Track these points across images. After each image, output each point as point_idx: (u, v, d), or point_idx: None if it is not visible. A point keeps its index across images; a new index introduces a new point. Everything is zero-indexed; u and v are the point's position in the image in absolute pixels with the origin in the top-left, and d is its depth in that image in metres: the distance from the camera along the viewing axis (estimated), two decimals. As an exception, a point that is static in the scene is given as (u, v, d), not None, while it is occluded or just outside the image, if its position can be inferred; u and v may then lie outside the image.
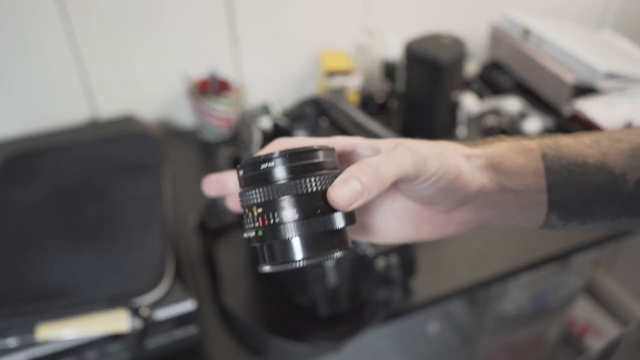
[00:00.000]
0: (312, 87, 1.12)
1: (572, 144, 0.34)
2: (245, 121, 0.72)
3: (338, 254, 0.29)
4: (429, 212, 0.35)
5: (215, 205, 0.80)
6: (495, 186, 0.33)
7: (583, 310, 1.49)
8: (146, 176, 0.71)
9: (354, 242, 0.46)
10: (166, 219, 0.66)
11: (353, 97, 1.02)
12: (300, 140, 0.33)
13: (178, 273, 0.61)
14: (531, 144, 0.34)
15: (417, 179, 0.30)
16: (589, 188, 0.33)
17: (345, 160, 0.33)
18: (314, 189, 0.29)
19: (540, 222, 0.35)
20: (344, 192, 0.28)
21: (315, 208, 0.29)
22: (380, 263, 0.63)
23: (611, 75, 0.96)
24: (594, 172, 0.33)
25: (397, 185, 0.32)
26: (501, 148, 0.34)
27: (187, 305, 0.59)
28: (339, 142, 0.33)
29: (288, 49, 1.07)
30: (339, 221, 0.29)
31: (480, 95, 1.14)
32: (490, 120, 1.04)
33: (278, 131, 0.73)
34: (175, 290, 0.59)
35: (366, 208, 0.35)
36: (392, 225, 0.35)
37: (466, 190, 0.32)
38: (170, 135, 1.05)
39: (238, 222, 0.79)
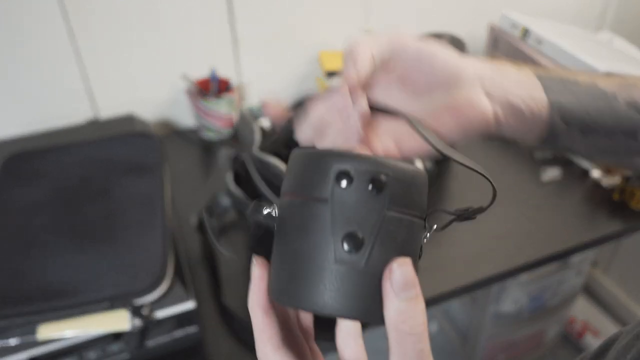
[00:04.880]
0: (312, 87, 1.12)
1: (562, 71, 0.37)
2: (245, 121, 0.72)
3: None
4: (437, 99, 0.34)
5: (215, 205, 0.80)
6: (495, 76, 0.34)
7: (582, 310, 1.50)
8: (147, 176, 0.72)
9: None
10: (167, 218, 0.66)
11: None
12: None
13: (178, 273, 0.62)
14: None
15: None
16: (583, 95, 0.35)
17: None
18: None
19: (544, 131, 0.36)
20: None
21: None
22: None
23: (610, 76, 0.96)
24: (586, 88, 0.36)
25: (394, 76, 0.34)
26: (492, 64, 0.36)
27: (187, 305, 0.59)
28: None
29: (288, 49, 1.08)
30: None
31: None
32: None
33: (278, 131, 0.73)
34: (175, 290, 0.60)
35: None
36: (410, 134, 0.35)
37: (449, 69, 0.33)
38: (170, 135, 1.05)
39: (238, 222, 0.79)
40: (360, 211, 0.23)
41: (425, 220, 0.26)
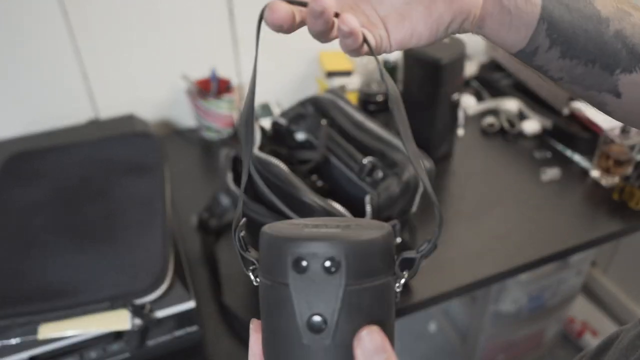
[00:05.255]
0: (312, 87, 1.12)
1: None
2: (245, 121, 0.72)
3: None
4: None
5: (215, 205, 0.80)
6: None
7: (581, 309, 1.50)
8: (147, 176, 0.72)
9: None
10: (167, 218, 0.66)
11: (353, 97, 1.03)
12: None
13: (178, 272, 0.62)
14: None
15: None
16: (574, 10, 0.34)
17: None
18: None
19: (526, 39, 0.34)
20: None
21: None
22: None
23: None
24: (582, 4, 0.34)
25: None
26: None
27: (187, 305, 0.59)
28: None
29: (288, 49, 1.08)
30: None
31: (479, 95, 1.14)
32: (490, 121, 1.05)
33: (278, 131, 0.73)
34: (175, 290, 0.60)
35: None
36: (405, 9, 0.34)
37: None
38: (170, 135, 1.05)
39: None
40: (320, 292, 0.24)
41: (392, 275, 0.27)
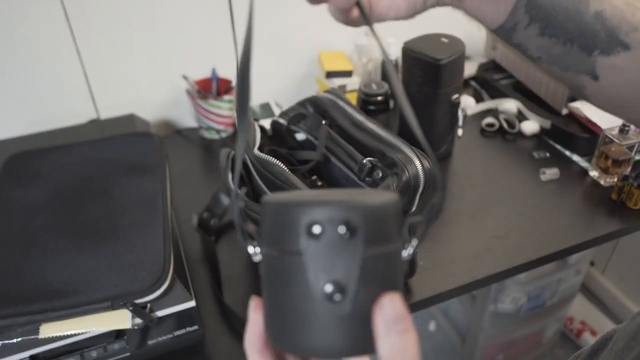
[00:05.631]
0: (312, 87, 1.12)
1: None
2: (245, 121, 0.72)
3: None
4: None
5: (215, 205, 0.80)
6: None
7: (580, 309, 1.50)
8: (147, 176, 0.72)
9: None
10: (167, 218, 0.66)
11: (353, 97, 1.03)
12: None
13: (179, 272, 0.62)
14: None
15: None
16: None
17: None
18: None
19: (505, 14, 0.34)
20: None
21: None
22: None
23: None
24: None
25: None
26: None
27: (188, 304, 0.60)
28: None
29: (288, 49, 1.08)
30: None
31: (479, 96, 1.15)
32: (489, 121, 1.05)
33: (278, 131, 0.73)
34: (176, 289, 0.60)
35: None
36: None
37: None
38: (171, 135, 1.05)
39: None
40: (337, 259, 0.23)
41: (402, 242, 0.26)
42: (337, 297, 0.23)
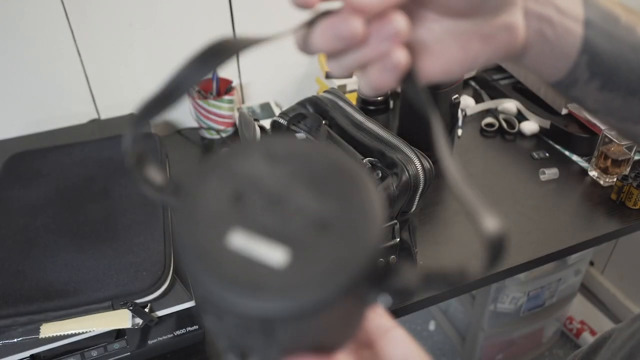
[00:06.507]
0: (312, 87, 1.12)
1: (606, 2, 0.33)
2: (246, 121, 0.72)
3: None
4: (472, 24, 0.30)
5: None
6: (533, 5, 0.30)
7: (580, 309, 1.50)
8: (147, 176, 0.72)
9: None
10: (167, 218, 0.66)
11: (353, 97, 1.03)
12: None
13: (179, 272, 0.62)
14: None
15: None
16: (617, 40, 0.32)
17: None
18: None
19: (565, 71, 0.32)
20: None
21: None
22: (380, 263, 0.64)
23: None
24: (625, 30, 0.32)
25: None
26: None
27: (188, 304, 0.60)
28: None
29: (288, 49, 1.08)
30: None
31: (478, 96, 1.15)
32: (488, 121, 1.05)
33: (278, 131, 0.73)
34: (176, 289, 0.60)
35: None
36: (437, 48, 0.30)
37: None
38: (171, 135, 1.05)
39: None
40: (248, 342, 0.19)
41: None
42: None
